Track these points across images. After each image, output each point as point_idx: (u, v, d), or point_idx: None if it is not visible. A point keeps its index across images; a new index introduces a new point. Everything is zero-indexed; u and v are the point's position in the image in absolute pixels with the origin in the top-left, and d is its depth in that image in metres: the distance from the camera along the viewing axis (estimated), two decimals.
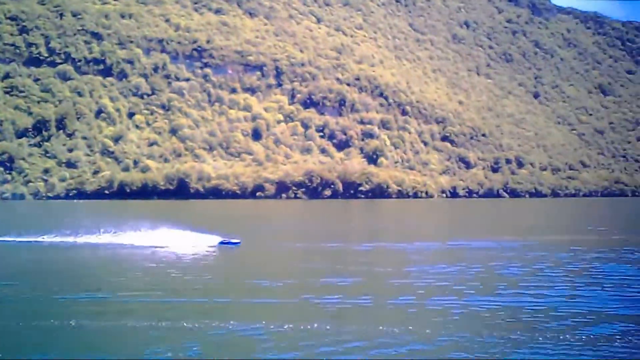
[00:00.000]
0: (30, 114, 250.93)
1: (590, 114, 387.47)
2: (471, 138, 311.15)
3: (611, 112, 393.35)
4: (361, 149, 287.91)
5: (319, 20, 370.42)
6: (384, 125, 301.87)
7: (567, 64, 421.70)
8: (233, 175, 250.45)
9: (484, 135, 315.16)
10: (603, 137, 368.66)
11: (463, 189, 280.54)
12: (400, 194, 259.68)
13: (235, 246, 51.45)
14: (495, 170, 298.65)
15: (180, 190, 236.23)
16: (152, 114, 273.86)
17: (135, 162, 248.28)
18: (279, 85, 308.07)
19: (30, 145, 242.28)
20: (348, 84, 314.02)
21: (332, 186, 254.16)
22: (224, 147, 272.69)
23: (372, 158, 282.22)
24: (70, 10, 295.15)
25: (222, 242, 52.23)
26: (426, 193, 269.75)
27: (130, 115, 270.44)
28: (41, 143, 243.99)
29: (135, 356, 20.71)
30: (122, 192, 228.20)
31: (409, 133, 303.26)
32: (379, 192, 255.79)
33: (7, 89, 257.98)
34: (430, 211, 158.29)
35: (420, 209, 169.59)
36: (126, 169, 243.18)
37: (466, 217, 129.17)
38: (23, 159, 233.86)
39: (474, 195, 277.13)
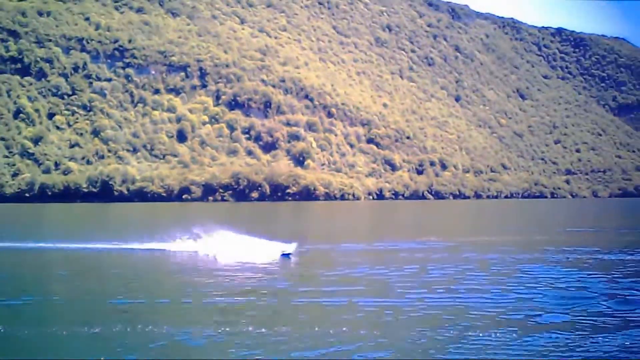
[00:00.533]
0: None
1: (510, 118, 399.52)
2: (396, 140, 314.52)
3: (529, 116, 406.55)
4: (288, 151, 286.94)
5: (242, 21, 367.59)
6: (310, 127, 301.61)
7: (486, 68, 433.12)
8: (158, 177, 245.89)
9: (408, 137, 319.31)
10: (522, 140, 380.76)
11: (389, 191, 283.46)
12: (328, 196, 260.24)
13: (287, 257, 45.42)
14: (419, 172, 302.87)
15: (103, 192, 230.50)
16: (73, 114, 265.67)
17: (57, 164, 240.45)
18: (204, 86, 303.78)
19: None
20: (273, 86, 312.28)
21: (259, 188, 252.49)
22: (148, 148, 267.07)
23: (299, 160, 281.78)
24: None
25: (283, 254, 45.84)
26: (353, 195, 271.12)
27: (50, 116, 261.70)
28: None
29: None
30: (43, 195, 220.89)
31: (335, 135, 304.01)
32: (307, 194, 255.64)
33: None
34: (357, 213, 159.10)
35: (347, 210, 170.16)
36: (47, 171, 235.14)
37: (393, 218, 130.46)
38: None
39: (400, 197, 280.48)
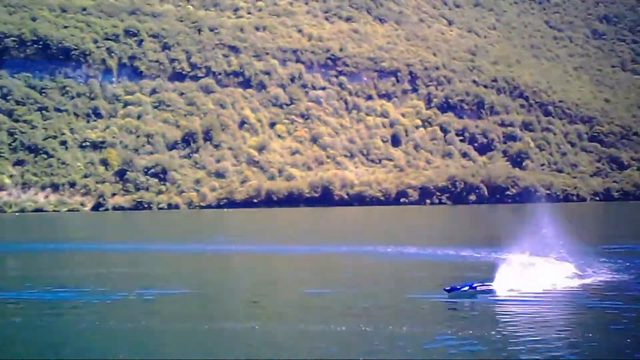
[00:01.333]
0: (178, 126, 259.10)
1: None
2: (622, 137, 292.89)
3: None
4: (504, 152, 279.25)
5: (450, 23, 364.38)
6: (526, 127, 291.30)
7: None
8: (376, 181, 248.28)
9: (635, 134, 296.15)
10: None
11: (617, 191, 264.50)
12: (549, 198, 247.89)
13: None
14: None
15: (324, 197, 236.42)
16: (292, 123, 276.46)
17: (280, 171, 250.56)
18: (415, 90, 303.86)
19: (180, 157, 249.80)
20: (485, 86, 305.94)
21: (477, 191, 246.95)
22: (364, 153, 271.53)
23: (517, 161, 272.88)
24: (208, 26, 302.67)
25: (452, 289, 34.56)
26: (577, 196, 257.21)
27: (272, 125, 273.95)
28: (190, 154, 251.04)
29: None
30: (269, 201, 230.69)
31: (554, 134, 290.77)
32: (526, 196, 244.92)
33: (155, 104, 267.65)
34: (591, 215, 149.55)
35: (574, 212, 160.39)
36: (272, 178, 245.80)
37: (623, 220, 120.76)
38: (175, 170, 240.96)
39: (631, 197, 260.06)
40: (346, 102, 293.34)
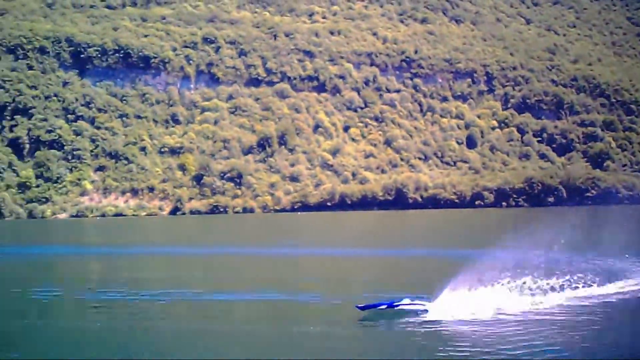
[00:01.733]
0: (253, 131, 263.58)
1: None
2: None
3: None
4: (584, 153, 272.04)
5: (528, 22, 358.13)
6: (607, 126, 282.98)
7: None
8: (450, 184, 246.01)
9: None
10: None
11: None
12: (632, 200, 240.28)
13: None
14: None
15: (398, 200, 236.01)
16: (366, 126, 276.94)
17: (354, 174, 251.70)
18: (491, 91, 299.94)
19: (256, 161, 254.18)
20: (564, 85, 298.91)
21: (555, 192, 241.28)
22: (438, 156, 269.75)
23: (597, 162, 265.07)
24: (283, 31, 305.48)
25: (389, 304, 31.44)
26: None
27: (346, 128, 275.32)
28: (265, 159, 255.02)
29: None
30: (342, 204, 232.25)
31: (637, 134, 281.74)
32: (607, 197, 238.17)
33: (232, 109, 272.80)
34: None
35: None
36: (345, 181, 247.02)
37: None
38: (250, 174, 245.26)
39: None
40: (420, 105, 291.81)
